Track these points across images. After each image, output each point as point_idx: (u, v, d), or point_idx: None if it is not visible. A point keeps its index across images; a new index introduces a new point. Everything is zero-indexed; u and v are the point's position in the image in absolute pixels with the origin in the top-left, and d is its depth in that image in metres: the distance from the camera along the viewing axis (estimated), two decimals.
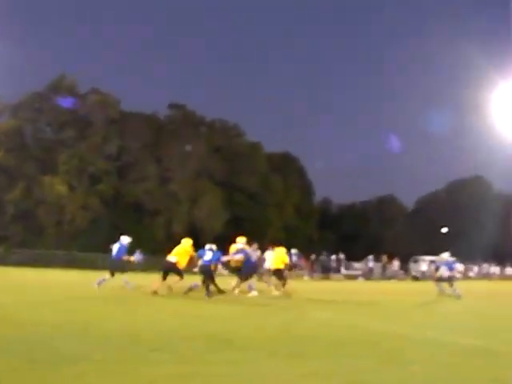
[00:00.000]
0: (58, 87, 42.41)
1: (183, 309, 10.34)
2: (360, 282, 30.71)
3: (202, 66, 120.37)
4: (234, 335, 6.58)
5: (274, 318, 9.13)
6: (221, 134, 50.04)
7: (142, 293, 13.23)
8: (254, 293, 13.69)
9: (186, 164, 43.97)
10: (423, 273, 33.98)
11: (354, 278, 34.04)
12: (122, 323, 7.41)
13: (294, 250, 28.94)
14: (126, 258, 14.53)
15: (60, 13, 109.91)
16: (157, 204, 43.01)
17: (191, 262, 14.41)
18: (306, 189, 56.65)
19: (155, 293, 12.74)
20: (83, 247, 34.51)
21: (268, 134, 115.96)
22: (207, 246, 14.07)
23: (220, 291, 13.14)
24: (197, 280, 13.57)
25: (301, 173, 56.06)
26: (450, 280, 16.02)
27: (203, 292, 12.76)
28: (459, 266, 32.13)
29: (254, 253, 15.80)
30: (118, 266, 14.19)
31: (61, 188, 39.13)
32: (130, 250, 15.25)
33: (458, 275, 24.93)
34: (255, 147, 50.37)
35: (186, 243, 13.93)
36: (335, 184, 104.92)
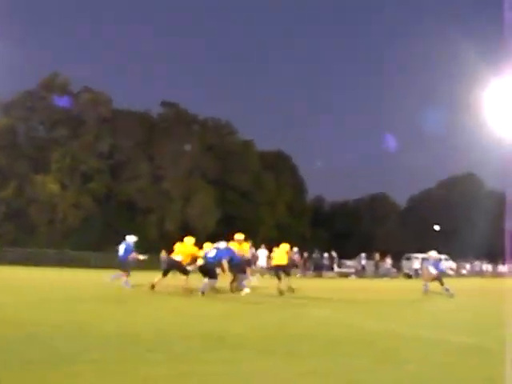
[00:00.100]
0: (51, 86, 42.23)
1: (181, 308, 10.36)
2: (353, 280, 30.84)
3: (202, 66, 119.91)
4: (230, 334, 6.61)
5: (269, 317, 9.17)
6: (213, 132, 50.04)
7: (140, 292, 13.24)
8: (247, 290, 13.80)
9: (179, 162, 43.91)
10: (416, 270, 34.12)
11: (346, 275, 34.20)
12: (120, 323, 7.41)
13: (295, 249, 29.13)
14: (134, 256, 14.66)
15: (60, 13, 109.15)
16: (149, 202, 42.96)
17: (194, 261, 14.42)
18: (299, 187, 56.77)
19: (153, 287, 12.89)
20: (75, 246, 34.47)
21: (268, 134, 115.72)
22: (215, 245, 14.02)
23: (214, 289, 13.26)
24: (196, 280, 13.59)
25: (293, 171, 56.16)
26: (438, 278, 15.62)
27: (204, 292, 12.75)
28: (448, 264, 32.37)
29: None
30: (126, 266, 14.47)
31: (53, 186, 39.02)
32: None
33: (450, 272, 25.11)
34: (247, 145, 50.40)
35: (189, 242, 13.97)
36: (335, 184, 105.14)
